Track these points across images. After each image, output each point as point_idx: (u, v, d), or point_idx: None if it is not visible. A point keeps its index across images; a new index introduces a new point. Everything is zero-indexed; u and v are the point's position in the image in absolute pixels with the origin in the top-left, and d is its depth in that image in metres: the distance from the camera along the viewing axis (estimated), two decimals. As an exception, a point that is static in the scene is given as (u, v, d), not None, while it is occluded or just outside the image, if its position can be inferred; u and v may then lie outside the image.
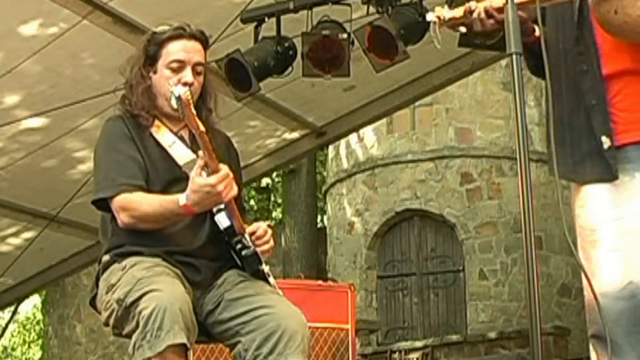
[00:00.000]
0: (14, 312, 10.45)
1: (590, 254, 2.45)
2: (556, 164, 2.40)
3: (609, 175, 2.45)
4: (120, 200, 2.71)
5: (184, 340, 2.45)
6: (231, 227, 2.75)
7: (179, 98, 2.51)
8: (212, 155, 2.57)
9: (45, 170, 6.25)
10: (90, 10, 4.82)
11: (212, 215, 2.76)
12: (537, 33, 2.58)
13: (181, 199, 2.62)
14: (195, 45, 2.85)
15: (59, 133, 5.85)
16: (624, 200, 2.42)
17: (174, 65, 2.81)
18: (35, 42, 4.96)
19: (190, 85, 2.78)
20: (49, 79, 5.32)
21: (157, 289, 2.51)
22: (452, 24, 2.50)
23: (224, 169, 2.60)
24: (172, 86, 2.60)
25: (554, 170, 2.44)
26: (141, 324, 2.46)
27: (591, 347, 2.53)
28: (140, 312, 2.48)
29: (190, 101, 2.52)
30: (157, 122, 2.84)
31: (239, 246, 2.78)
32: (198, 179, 2.57)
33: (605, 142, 2.44)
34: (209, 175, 2.58)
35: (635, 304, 2.39)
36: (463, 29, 2.50)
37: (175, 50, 2.82)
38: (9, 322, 12.30)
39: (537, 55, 2.57)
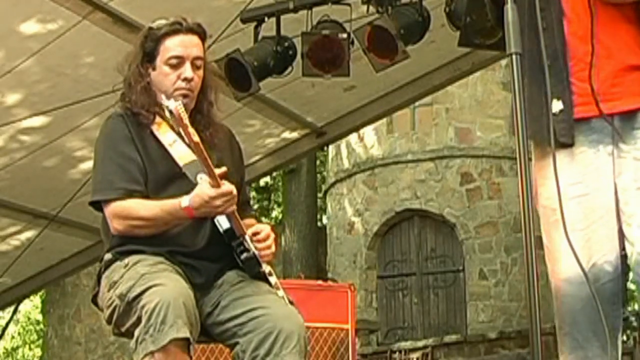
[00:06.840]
0: (14, 312, 10.46)
1: (553, 237, 2.30)
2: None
3: (560, 140, 2.27)
4: (116, 206, 2.70)
5: (187, 335, 2.44)
6: (230, 229, 2.74)
7: (171, 112, 2.51)
8: (210, 167, 2.57)
9: (45, 170, 6.24)
10: (90, 10, 4.83)
11: (213, 216, 2.75)
12: None
13: (183, 200, 2.62)
14: (193, 40, 2.81)
15: (59, 132, 5.85)
16: (589, 175, 2.29)
17: (173, 61, 2.77)
18: (35, 41, 4.96)
19: (190, 80, 2.77)
20: (49, 78, 5.33)
21: (161, 284, 2.51)
22: None
23: (226, 185, 2.61)
24: (165, 100, 2.59)
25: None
26: (144, 318, 2.45)
27: (560, 347, 2.37)
28: (143, 307, 2.47)
29: (183, 114, 2.52)
30: (158, 119, 2.81)
31: (239, 249, 2.76)
32: (200, 186, 2.61)
33: (556, 105, 2.29)
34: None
35: (597, 288, 2.23)
36: None
37: (173, 45, 2.78)
38: (8, 322, 12.29)
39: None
